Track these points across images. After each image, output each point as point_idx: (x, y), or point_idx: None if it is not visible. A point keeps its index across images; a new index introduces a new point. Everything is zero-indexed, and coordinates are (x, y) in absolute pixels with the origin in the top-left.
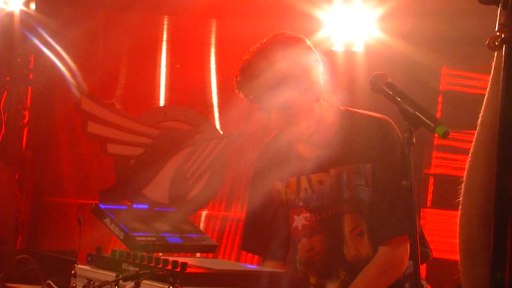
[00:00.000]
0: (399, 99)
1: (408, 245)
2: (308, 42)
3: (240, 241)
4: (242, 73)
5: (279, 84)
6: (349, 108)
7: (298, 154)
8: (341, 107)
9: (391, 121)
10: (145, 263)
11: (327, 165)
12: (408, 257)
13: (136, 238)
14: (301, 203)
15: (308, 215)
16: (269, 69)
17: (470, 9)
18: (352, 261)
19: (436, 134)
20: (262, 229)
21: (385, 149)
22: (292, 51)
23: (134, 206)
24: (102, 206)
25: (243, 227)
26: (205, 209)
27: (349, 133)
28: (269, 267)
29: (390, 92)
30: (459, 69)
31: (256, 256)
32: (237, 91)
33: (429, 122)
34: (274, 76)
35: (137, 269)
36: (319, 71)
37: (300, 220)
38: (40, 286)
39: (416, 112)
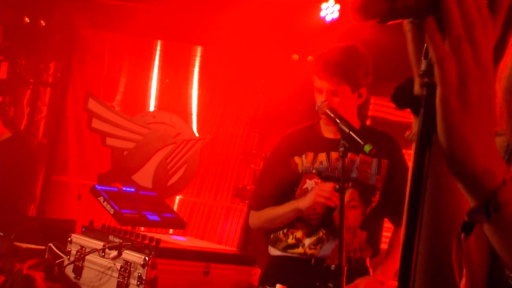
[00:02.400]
0: (338, 120)
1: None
2: None
3: (249, 202)
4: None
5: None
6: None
7: (321, 136)
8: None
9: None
10: (128, 236)
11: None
12: None
13: (123, 214)
14: (314, 171)
15: (319, 181)
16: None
17: (395, 47)
18: (337, 225)
19: (365, 148)
20: (271, 194)
21: (398, 155)
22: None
23: (124, 188)
24: (98, 187)
25: (253, 193)
26: (180, 194)
27: (365, 133)
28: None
29: (332, 115)
30: (385, 100)
31: (218, 236)
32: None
33: (359, 140)
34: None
35: (121, 241)
36: None
37: (311, 184)
38: (44, 247)
39: (350, 132)
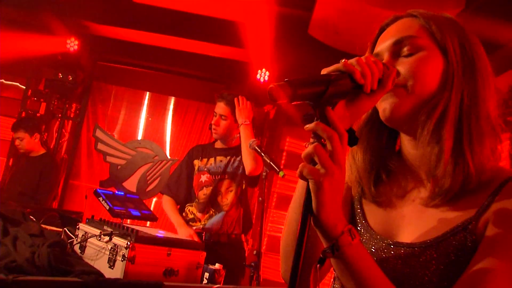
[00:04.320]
0: (262, 154)
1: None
2: None
3: (163, 189)
4: None
5: None
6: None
7: (213, 147)
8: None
9: None
10: (116, 227)
11: (226, 154)
12: None
13: (115, 210)
14: (205, 169)
15: (208, 175)
16: None
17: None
18: (221, 204)
19: (279, 175)
20: (177, 186)
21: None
22: None
23: (116, 192)
24: (99, 190)
25: (167, 182)
26: (155, 197)
27: (238, 148)
28: (169, 202)
29: (258, 150)
30: (298, 140)
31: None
32: None
33: (276, 168)
34: None
35: (111, 230)
36: None
37: (204, 178)
38: (61, 230)
39: (270, 162)
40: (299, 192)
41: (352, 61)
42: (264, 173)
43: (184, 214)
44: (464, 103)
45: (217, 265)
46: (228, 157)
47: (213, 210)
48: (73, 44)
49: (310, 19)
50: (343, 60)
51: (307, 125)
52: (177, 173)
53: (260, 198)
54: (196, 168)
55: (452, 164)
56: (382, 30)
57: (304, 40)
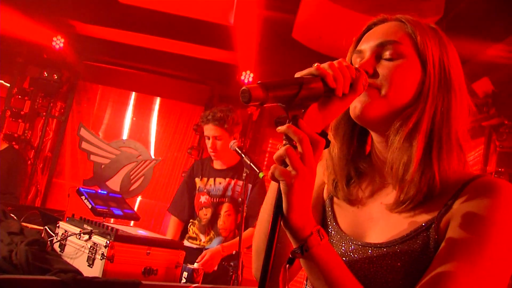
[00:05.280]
0: (243, 155)
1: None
2: None
3: (170, 208)
4: None
5: None
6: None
7: (212, 167)
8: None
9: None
10: (96, 225)
11: (225, 175)
12: None
13: (97, 209)
14: (205, 190)
15: (207, 196)
16: None
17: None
18: (220, 228)
19: (260, 175)
20: (182, 204)
21: (258, 179)
22: None
23: (99, 191)
24: (81, 189)
25: (173, 200)
26: (139, 196)
27: (238, 168)
28: (175, 223)
29: (239, 151)
30: (281, 141)
31: (164, 226)
32: None
33: (256, 169)
34: None
35: (92, 229)
36: None
37: (203, 199)
38: (42, 228)
39: (250, 164)
40: (271, 193)
41: (325, 65)
42: (244, 174)
43: (187, 230)
44: (437, 118)
45: (195, 265)
46: (227, 179)
47: (213, 233)
48: (59, 42)
49: (294, 23)
50: (315, 64)
51: (279, 128)
52: (180, 191)
53: (240, 199)
54: (197, 186)
55: (419, 174)
56: (369, 28)
57: (289, 44)
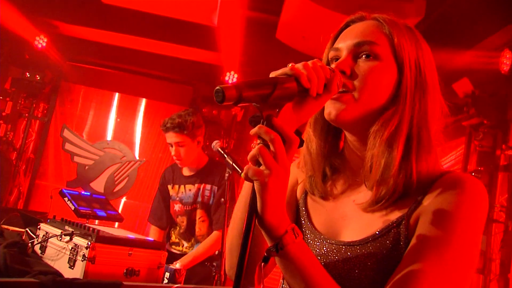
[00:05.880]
0: (225, 156)
1: (221, 233)
2: None
3: (149, 218)
4: None
5: None
6: (211, 157)
7: (181, 174)
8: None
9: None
10: (78, 227)
11: (193, 181)
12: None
13: (80, 210)
14: (177, 198)
15: (180, 205)
16: None
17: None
18: (197, 235)
19: (241, 176)
20: (160, 212)
21: (224, 181)
22: None
23: (82, 193)
24: (64, 191)
25: (151, 210)
26: (124, 198)
27: (209, 166)
28: (155, 232)
29: (222, 152)
30: None
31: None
32: None
33: (238, 170)
34: None
35: (73, 230)
36: None
37: (177, 207)
38: (23, 230)
39: (233, 164)
40: (245, 192)
41: (299, 65)
42: (227, 174)
43: (169, 237)
44: (414, 120)
45: (177, 265)
46: (197, 185)
47: (193, 239)
48: (41, 41)
49: (278, 23)
50: (290, 64)
51: (251, 131)
52: (156, 200)
53: (223, 199)
54: (170, 194)
55: (397, 175)
56: (347, 25)
57: (273, 44)
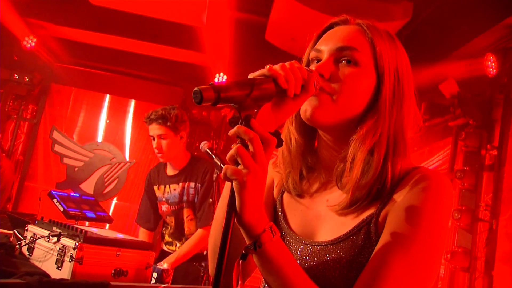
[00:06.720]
0: (213, 156)
1: (206, 231)
2: None
3: (136, 218)
4: None
5: None
6: (193, 154)
7: (165, 174)
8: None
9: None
10: (65, 228)
11: (177, 181)
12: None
13: (69, 212)
14: (164, 199)
15: (167, 205)
16: None
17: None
18: (187, 234)
19: None
20: (147, 213)
21: (207, 177)
22: None
23: (71, 194)
24: (53, 192)
25: (138, 211)
26: (114, 199)
27: (192, 162)
28: (144, 234)
29: (210, 153)
30: None
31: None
32: None
33: None
34: None
35: (60, 231)
36: None
37: (164, 208)
38: (11, 232)
39: (221, 165)
40: (226, 192)
41: (277, 66)
42: (215, 175)
43: (163, 236)
44: (391, 129)
45: (165, 265)
46: (181, 184)
47: (184, 238)
48: (30, 41)
49: (267, 25)
50: (268, 66)
51: (230, 131)
52: (144, 202)
53: (211, 200)
54: (157, 195)
55: (374, 179)
56: (330, 27)
57: (262, 45)
